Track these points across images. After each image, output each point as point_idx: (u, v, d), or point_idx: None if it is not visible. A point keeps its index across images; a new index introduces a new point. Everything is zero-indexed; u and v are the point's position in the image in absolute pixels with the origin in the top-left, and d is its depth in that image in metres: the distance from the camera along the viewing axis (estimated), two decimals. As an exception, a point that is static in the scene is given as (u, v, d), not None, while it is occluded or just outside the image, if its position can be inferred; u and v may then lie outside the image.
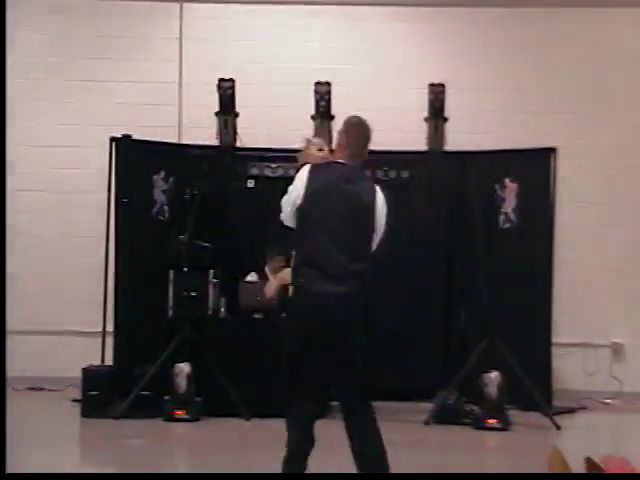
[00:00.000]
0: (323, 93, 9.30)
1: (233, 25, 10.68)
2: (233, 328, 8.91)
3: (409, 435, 7.93)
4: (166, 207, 9.40)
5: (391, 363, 9.01)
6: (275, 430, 8.16)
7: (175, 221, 9.29)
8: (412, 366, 9.31)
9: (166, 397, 8.44)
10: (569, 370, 10.10)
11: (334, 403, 8.94)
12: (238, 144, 9.43)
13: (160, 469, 6.76)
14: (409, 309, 9.38)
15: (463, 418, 8.45)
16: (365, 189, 5.15)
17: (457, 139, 9.34)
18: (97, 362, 8.95)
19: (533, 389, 8.47)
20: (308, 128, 9.25)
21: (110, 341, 9.10)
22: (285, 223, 5.28)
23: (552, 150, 9.28)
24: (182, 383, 8.44)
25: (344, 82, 9.78)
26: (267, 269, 9.38)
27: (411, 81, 10.13)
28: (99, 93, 10.47)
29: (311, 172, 5.15)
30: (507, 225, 9.46)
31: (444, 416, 8.48)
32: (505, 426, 8.26)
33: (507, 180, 9.43)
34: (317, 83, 9.34)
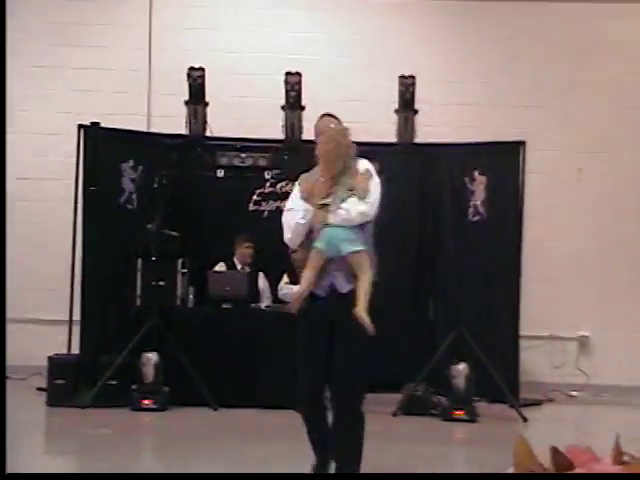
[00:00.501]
0: (293, 83, 9.27)
1: (204, 13, 10.64)
2: (201, 318, 8.89)
3: (377, 426, 7.82)
4: (134, 196, 9.34)
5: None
6: (242, 420, 8.22)
7: (143, 210, 9.23)
8: (380, 357, 9.30)
9: (133, 386, 8.40)
10: (536, 362, 10.17)
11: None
12: (208, 133, 9.38)
13: (127, 459, 6.71)
14: (377, 300, 9.36)
15: (431, 409, 8.48)
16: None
17: (427, 131, 9.35)
18: (64, 351, 8.90)
19: (500, 381, 8.52)
20: (278, 118, 9.24)
21: (77, 330, 9.04)
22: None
23: (521, 143, 9.31)
24: (149, 372, 8.41)
25: (315, 73, 9.76)
26: (235, 259, 9.39)
27: (381, 73, 10.13)
28: (67, 80, 10.39)
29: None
30: (476, 218, 9.48)
31: (412, 407, 8.51)
32: (472, 417, 8.30)
33: (476, 173, 9.45)
34: (287, 73, 9.30)
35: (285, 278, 9.48)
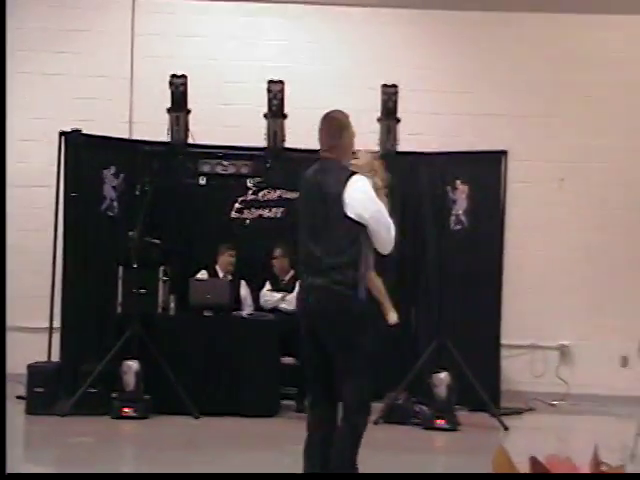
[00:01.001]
0: (276, 92, 9.27)
1: (186, 21, 10.63)
2: (183, 325, 8.86)
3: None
4: (116, 203, 9.31)
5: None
6: (223, 428, 8.20)
7: (125, 217, 9.21)
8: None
9: (114, 394, 8.37)
10: (517, 371, 10.18)
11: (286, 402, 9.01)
12: (190, 141, 9.36)
13: (107, 468, 6.67)
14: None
15: (412, 418, 8.48)
16: (336, 179, 4.99)
17: (409, 140, 9.37)
18: (44, 358, 8.84)
19: (481, 390, 8.53)
20: (260, 126, 9.24)
21: (57, 337, 8.99)
22: None
23: (503, 153, 9.35)
24: (130, 380, 8.37)
25: (297, 81, 9.76)
26: (217, 266, 9.38)
27: (364, 81, 10.13)
28: (49, 86, 10.35)
29: (303, 174, 5.18)
30: (458, 227, 9.51)
31: (393, 416, 8.51)
32: (453, 426, 8.30)
33: (458, 182, 9.48)
34: (270, 81, 9.31)
35: (267, 286, 9.48)
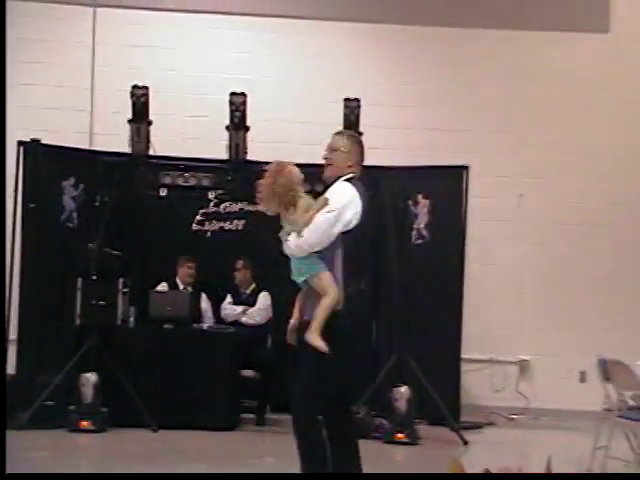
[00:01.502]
0: (238, 104, 9.25)
1: (148, 32, 10.59)
2: (142, 338, 8.79)
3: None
4: (75, 214, 9.22)
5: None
6: (182, 442, 8.12)
7: (84, 228, 9.13)
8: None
9: (71, 407, 8.27)
10: (477, 386, 10.23)
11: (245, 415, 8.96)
12: (151, 152, 9.32)
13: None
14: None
15: (373, 432, 8.46)
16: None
17: (371, 154, 9.32)
18: (-2, 371, 8.73)
19: (442, 404, 8.53)
20: (222, 138, 9.21)
21: (13, 349, 8.87)
22: None
23: (464, 168, 9.39)
24: (88, 393, 8.28)
25: (260, 93, 9.75)
26: (178, 279, 9.33)
27: (326, 95, 10.15)
28: (8, 96, 10.18)
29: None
30: (419, 241, 9.53)
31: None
32: (413, 440, 8.30)
33: (420, 196, 9.51)
34: (232, 94, 9.29)
35: (228, 298, 9.44)
